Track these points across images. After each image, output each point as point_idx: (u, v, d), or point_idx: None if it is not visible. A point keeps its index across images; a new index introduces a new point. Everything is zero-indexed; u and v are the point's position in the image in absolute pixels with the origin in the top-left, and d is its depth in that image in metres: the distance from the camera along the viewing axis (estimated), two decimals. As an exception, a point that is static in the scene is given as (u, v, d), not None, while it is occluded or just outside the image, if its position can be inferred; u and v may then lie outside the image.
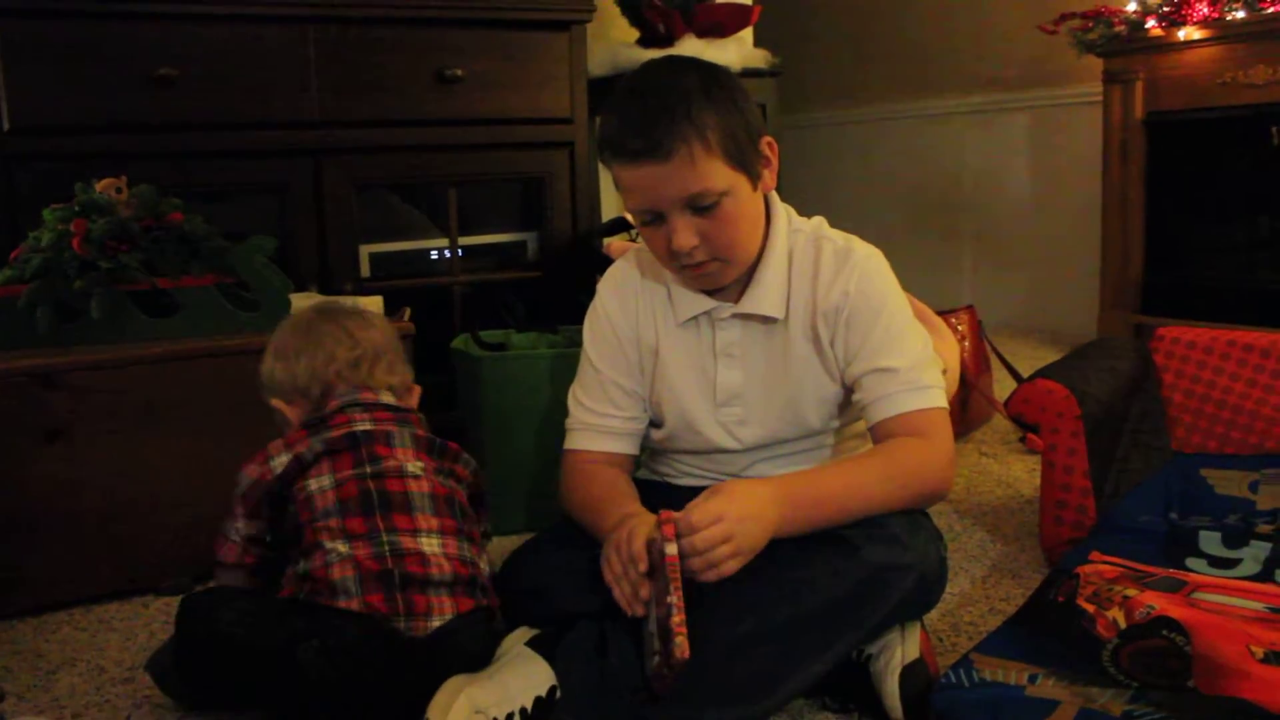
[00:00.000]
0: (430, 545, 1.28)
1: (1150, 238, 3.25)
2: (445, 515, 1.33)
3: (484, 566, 1.36)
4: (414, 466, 1.35)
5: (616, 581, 1.23)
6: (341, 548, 1.25)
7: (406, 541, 1.27)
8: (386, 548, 1.26)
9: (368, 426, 1.36)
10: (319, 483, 1.31)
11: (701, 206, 1.31)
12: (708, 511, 1.18)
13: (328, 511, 1.28)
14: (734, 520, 1.18)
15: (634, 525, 1.25)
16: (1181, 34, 2.99)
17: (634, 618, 1.22)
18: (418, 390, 1.52)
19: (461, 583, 1.29)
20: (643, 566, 1.20)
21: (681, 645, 1.10)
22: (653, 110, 1.28)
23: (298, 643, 1.17)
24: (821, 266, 1.43)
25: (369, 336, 1.46)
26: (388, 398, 1.43)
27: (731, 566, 1.18)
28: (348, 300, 1.55)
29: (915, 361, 1.38)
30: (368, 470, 1.31)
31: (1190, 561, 1.54)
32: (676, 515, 1.19)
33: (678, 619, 1.11)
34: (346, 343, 1.44)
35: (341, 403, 1.39)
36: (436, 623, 1.24)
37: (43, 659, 1.53)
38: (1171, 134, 3.14)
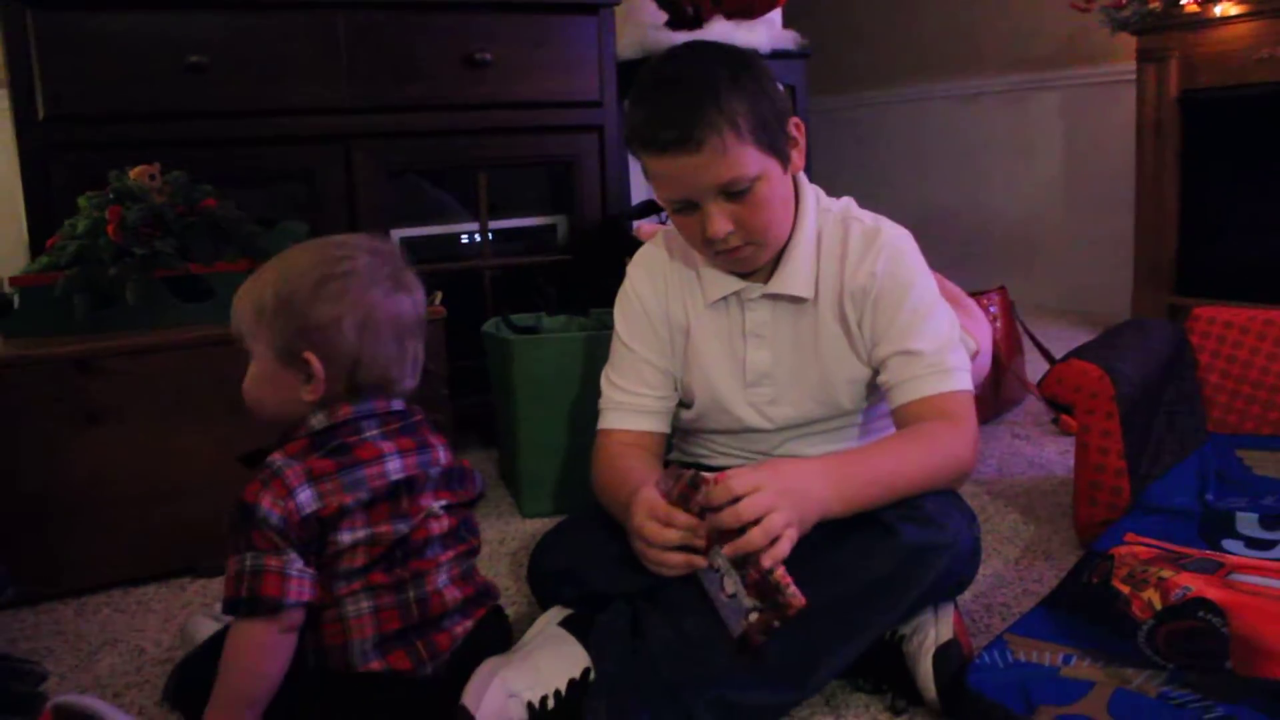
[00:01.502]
0: (442, 578, 1.24)
1: (1185, 217, 3.21)
2: (453, 545, 1.26)
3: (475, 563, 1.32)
4: (437, 507, 1.24)
5: (657, 552, 1.19)
6: (364, 603, 1.17)
7: (427, 584, 1.22)
8: (411, 594, 1.20)
9: (401, 473, 1.20)
10: (353, 536, 1.16)
11: (734, 192, 1.31)
12: (746, 480, 1.14)
13: (351, 572, 1.17)
14: (775, 492, 1.13)
15: (643, 495, 1.22)
16: (1218, 10, 2.95)
17: (689, 593, 1.20)
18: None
19: (471, 601, 1.27)
20: (683, 521, 1.17)
21: (795, 594, 1.09)
22: (681, 100, 1.27)
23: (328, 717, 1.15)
24: (850, 247, 1.43)
25: (417, 342, 1.24)
26: (398, 402, 1.26)
27: (790, 535, 1.12)
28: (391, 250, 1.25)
29: (941, 344, 1.38)
30: (403, 528, 1.19)
31: (1227, 543, 1.53)
32: (710, 477, 1.16)
33: (780, 571, 1.10)
34: (394, 349, 1.21)
35: (354, 413, 1.20)
36: (459, 643, 1.24)
37: (84, 640, 1.55)
38: (1207, 112, 3.10)
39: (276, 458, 1.16)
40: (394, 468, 1.20)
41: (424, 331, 1.26)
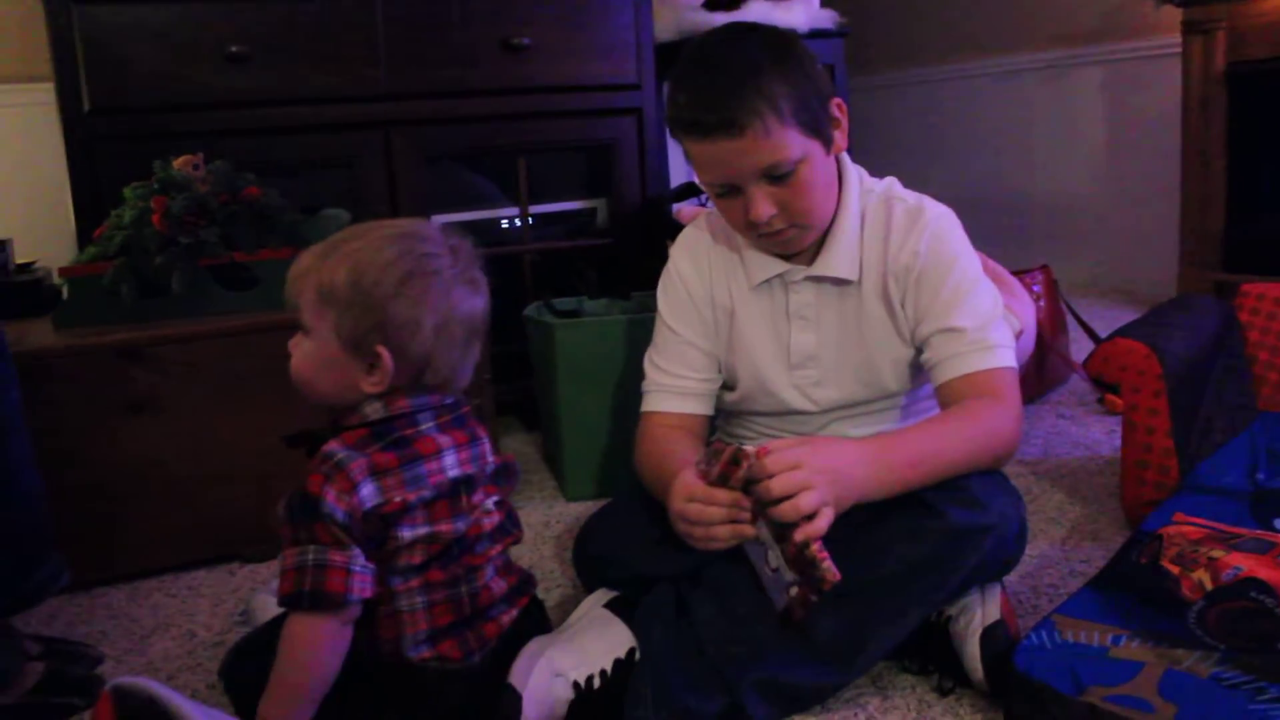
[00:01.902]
0: (490, 571, 1.24)
1: (1232, 192, 3.16)
2: (500, 539, 1.26)
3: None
4: (490, 503, 1.24)
5: (703, 529, 1.19)
6: (418, 599, 1.16)
7: (479, 578, 1.21)
8: (464, 589, 1.19)
9: (457, 469, 1.19)
10: (413, 533, 1.14)
11: (778, 175, 1.30)
12: (783, 458, 1.14)
13: (409, 567, 1.15)
14: (813, 469, 1.13)
15: (681, 479, 1.22)
16: (1265, -20, 2.89)
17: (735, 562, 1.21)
18: None
19: (515, 590, 1.27)
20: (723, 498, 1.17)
21: (830, 569, 1.09)
22: (723, 84, 1.27)
23: (379, 712, 1.16)
24: (893, 226, 1.42)
25: (480, 343, 1.23)
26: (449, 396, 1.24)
27: (827, 514, 1.12)
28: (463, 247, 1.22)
29: (984, 321, 1.37)
30: (461, 527, 1.18)
31: (1278, 522, 1.51)
32: (751, 451, 1.15)
33: (815, 546, 1.10)
34: (462, 351, 1.20)
35: (413, 406, 1.18)
36: (505, 630, 1.24)
37: (137, 624, 1.57)
38: (1255, 85, 3.04)
39: (336, 447, 1.13)
40: (451, 462, 1.19)
41: (478, 341, 1.22)
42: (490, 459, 1.25)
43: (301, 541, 1.09)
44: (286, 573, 1.09)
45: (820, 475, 1.13)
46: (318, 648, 1.11)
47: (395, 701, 1.17)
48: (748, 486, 1.15)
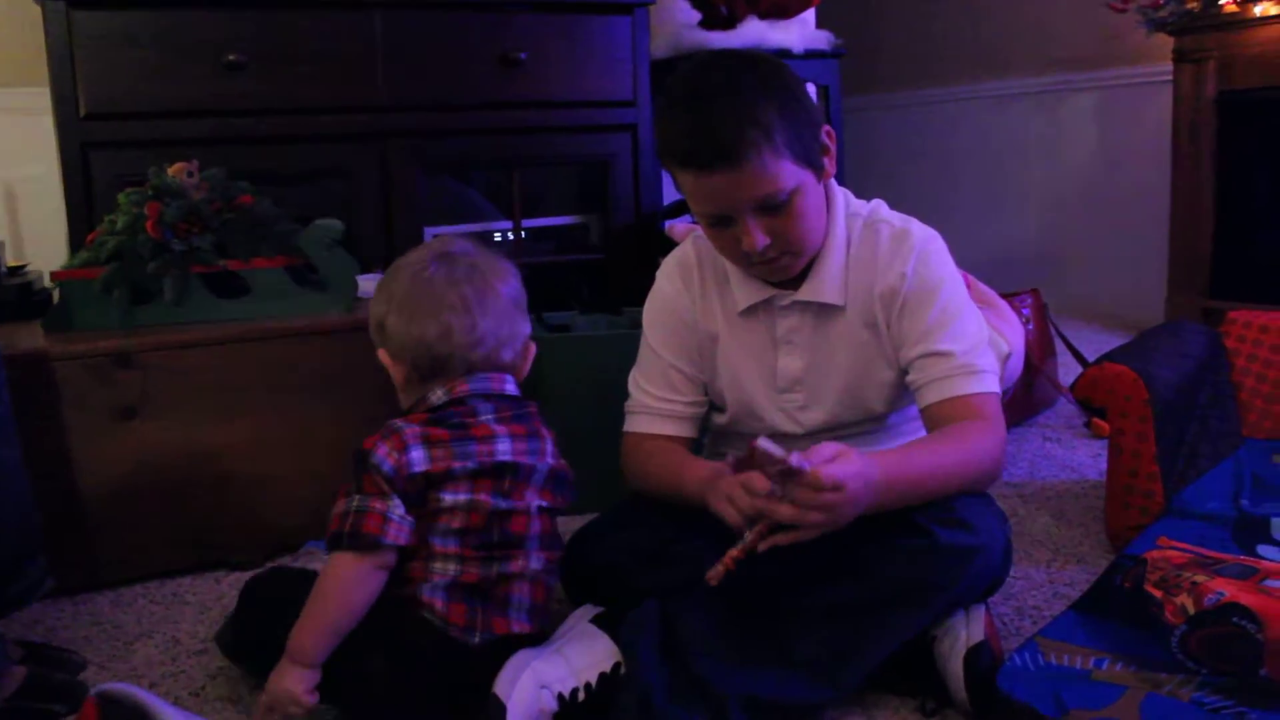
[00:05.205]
0: (525, 563, 1.27)
1: (1220, 219, 3.18)
2: (546, 549, 1.30)
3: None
4: (537, 505, 1.30)
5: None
6: (451, 567, 1.22)
7: (511, 565, 1.26)
8: (495, 569, 1.24)
9: (509, 455, 1.26)
10: (454, 499, 1.22)
11: (771, 206, 1.31)
12: (834, 478, 1.11)
13: (448, 530, 1.23)
14: (846, 500, 1.12)
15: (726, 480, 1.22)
16: (1258, 9, 2.91)
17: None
18: (533, 350, 1.40)
19: (538, 609, 1.29)
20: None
21: (715, 573, 1.15)
22: (717, 117, 1.26)
23: (365, 652, 1.18)
24: (879, 249, 1.43)
25: (490, 316, 1.30)
26: (511, 385, 1.34)
27: (812, 533, 1.14)
28: (469, 248, 1.35)
29: (970, 345, 1.38)
30: (503, 506, 1.25)
31: (1262, 549, 1.52)
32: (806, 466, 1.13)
33: (737, 552, 1.15)
34: (465, 321, 1.28)
35: (470, 390, 1.28)
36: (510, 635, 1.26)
37: (121, 631, 1.57)
38: (1245, 113, 3.06)
39: (399, 421, 1.24)
40: (504, 449, 1.27)
41: (483, 311, 1.31)
42: (549, 459, 1.31)
43: (350, 492, 1.21)
44: (333, 517, 1.20)
45: (846, 508, 1.13)
46: (348, 584, 1.19)
47: (386, 639, 1.19)
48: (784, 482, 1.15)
